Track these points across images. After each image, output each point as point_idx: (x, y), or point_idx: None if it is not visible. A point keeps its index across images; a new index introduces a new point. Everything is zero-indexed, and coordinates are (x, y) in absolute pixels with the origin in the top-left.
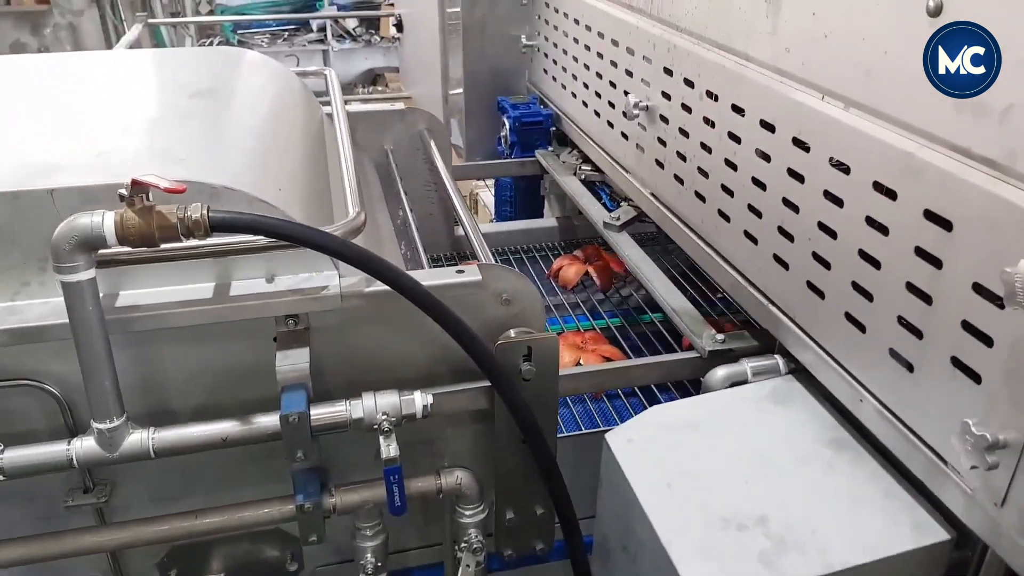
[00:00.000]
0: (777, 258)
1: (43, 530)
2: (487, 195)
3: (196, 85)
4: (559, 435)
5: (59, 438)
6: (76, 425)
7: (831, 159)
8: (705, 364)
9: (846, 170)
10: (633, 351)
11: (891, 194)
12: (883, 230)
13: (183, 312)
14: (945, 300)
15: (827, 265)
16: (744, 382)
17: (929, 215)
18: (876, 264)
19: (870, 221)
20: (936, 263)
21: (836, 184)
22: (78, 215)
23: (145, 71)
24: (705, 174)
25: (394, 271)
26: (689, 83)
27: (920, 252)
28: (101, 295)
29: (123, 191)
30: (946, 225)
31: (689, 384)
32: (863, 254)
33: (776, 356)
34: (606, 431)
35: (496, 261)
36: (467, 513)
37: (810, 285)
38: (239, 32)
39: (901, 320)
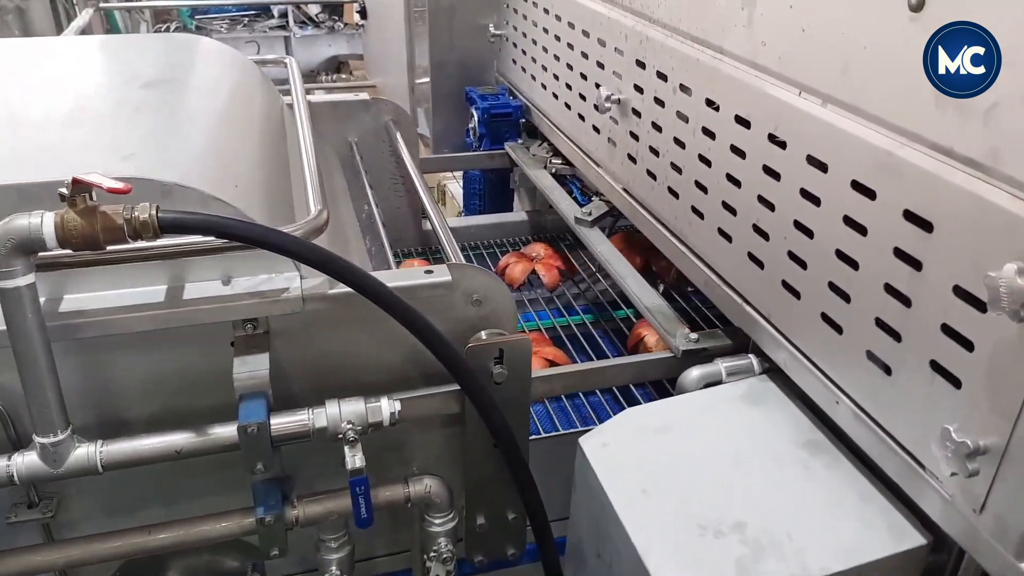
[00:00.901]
0: (752, 256)
1: None
2: (455, 186)
3: (148, 74)
4: (531, 437)
5: (1, 452)
6: (19, 438)
7: (808, 156)
8: (679, 364)
9: (823, 168)
10: (578, 352)
11: (870, 193)
12: (861, 230)
13: (132, 317)
14: (924, 302)
15: (803, 264)
16: (719, 382)
17: (909, 215)
18: (854, 264)
19: (848, 221)
20: (916, 264)
21: (813, 182)
22: (15, 216)
23: (94, 59)
24: (679, 170)
25: (357, 273)
26: (662, 76)
27: (899, 253)
28: (43, 300)
29: (63, 190)
30: (926, 226)
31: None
32: (840, 254)
33: (750, 356)
34: (579, 433)
35: (464, 258)
36: (436, 522)
37: (785, 285)
38: (197, 17)
39: (879, 322)
